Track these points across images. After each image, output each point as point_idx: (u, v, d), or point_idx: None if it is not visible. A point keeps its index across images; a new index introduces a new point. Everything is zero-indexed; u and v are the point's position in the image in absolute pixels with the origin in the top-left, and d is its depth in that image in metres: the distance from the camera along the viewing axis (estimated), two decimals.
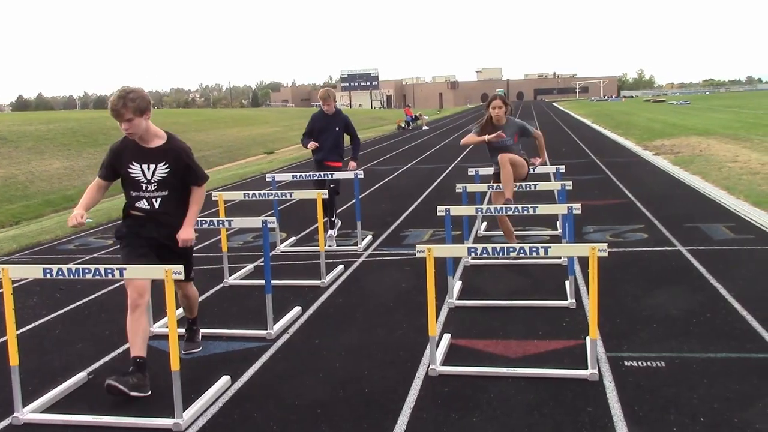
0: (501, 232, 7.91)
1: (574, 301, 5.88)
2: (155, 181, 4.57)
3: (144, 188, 4.57)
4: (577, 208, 5.95)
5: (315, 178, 8.84)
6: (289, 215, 10.92)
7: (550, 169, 9.21)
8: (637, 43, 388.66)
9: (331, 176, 8.72)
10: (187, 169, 4.64)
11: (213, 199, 7.40)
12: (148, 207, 4.60)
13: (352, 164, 9.12)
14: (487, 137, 7.37)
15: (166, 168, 4.57)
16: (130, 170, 4.57)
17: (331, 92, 9.19)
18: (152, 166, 4.56)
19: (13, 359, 4.10)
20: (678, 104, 67.17)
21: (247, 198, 8.05)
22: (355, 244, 8.69)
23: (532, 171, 7.74)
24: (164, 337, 5.29)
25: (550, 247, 4.43)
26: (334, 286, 6.90)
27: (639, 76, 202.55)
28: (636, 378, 4.38)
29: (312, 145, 8.89)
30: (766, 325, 5.17)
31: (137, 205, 4.62)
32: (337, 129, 8.89)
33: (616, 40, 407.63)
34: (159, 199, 4.60)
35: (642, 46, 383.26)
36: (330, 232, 8.86)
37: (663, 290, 6.25)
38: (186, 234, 4.62)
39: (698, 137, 22.76)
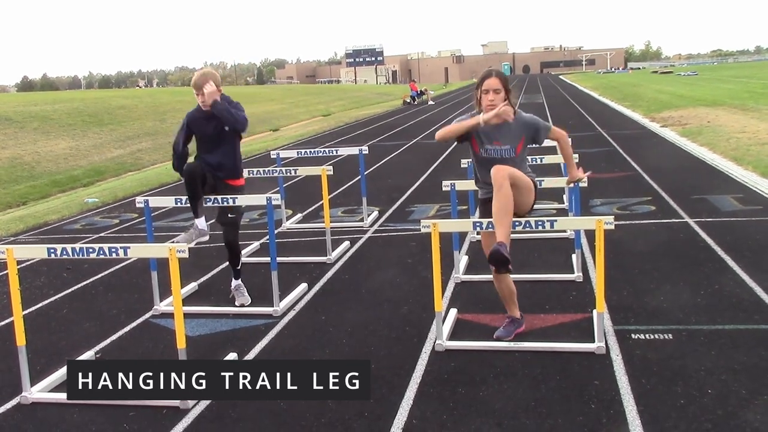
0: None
1: (580, 274, 5.86)
2: None
3: None
4: (583, 181, 5.89)
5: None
6: (294, 192, 10.90)
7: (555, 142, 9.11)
8: (644, 14, 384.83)
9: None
10: None
11: None
12: None
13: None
14: (482, 118, 4.42)
15: None
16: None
17: (210, 74, 5.56)
18: None
19: (20, 339, 4.12)
20: (685, 75, 66.44)
21: (251, 175, 8.01)
22: (361, 220, 8.67)
23: (579, 185, 5.42)
24: (170, 315, 5.30)
25: (556, 220, 4.42)
26: (340, 263, 6.89)
27: (646, 48, 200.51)
28: (643, 350, 4.37)
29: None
30: None
31: None
32: (226, 128, 5.58)
33: (623, 11, 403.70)
34: None
35: (649, 17, 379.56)
36: (236, 283, 5.91)
37: (670, 262, 6.21)
38: None
39: (706, 108, 22.54)
